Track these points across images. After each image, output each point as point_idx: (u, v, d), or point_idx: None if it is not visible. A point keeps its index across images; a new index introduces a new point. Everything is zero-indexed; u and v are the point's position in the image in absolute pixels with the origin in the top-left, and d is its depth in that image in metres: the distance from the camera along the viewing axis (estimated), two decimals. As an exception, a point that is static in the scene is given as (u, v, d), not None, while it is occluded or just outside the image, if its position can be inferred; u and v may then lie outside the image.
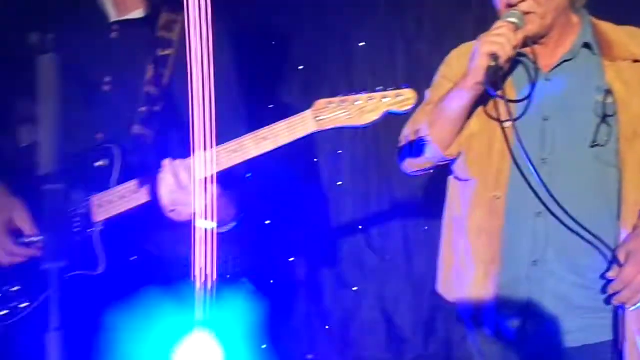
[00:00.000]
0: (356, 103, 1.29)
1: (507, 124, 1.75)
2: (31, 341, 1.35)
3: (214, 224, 1.38)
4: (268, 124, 1.46)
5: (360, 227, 3.23)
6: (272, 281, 3.45)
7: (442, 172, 3.01)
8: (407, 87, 1.28)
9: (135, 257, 1.35)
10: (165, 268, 1.46)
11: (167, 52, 1.44)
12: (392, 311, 3.17)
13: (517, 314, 1.78)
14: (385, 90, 1.28)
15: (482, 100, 1.77)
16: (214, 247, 1.63)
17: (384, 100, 1.28)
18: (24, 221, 1.28)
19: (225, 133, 1.47)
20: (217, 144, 1.32)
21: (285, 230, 3.44)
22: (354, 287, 3.24)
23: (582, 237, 1.71)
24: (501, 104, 1.73)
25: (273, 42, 3.35)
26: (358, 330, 3.24)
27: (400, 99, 1.28)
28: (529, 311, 1.77)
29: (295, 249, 3.42)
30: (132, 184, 1.30)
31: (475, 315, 1.87)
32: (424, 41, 3.04)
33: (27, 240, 1.25)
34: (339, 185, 3.27)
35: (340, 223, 3.28)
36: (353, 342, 3.25)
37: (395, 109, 1.28)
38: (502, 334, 1.82)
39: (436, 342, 3.08)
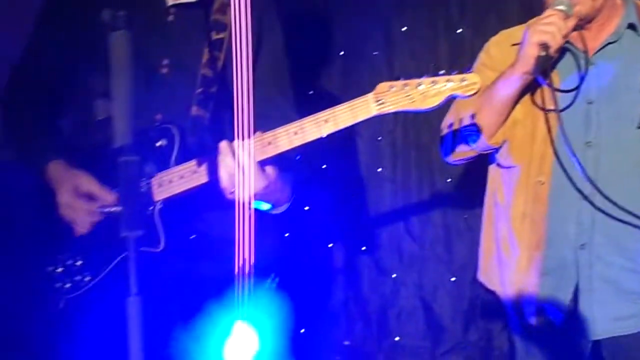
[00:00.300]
0: (419, 87, 1.27)
1: (552, 108, 1.72)
2: (93, 314, 1.42)
3: (269, 205, 1.40)
4: (308, 111, 1.47)
5: (398, 214, 3.21)
6: (307, 268, 3.47)
7: (482, 161, 2.97)
8: (470, 72, 1.26)
9: (194, 235, 1.38)
10: (219, 249, 1.50)
11: (221, 35, 1.46)
12: (431, 299, 3.15)
13: (562, 300, 1.76)
14: (448, 74, 1.26)
15: (527, 88, 1.75)
16: (252, 231, 1.66)
17: (448, 84, 1.25)
18: (91, 184, 1.30)
19: (273, 116, 1.48)
20: (268, 127, 1.33)
21: (324, 216, 3.45)
22: (392, 274, 3.23)
23: (630, 220, 1.68)
24: (547, 91, 1.70)
25: (313, 28, 3.34)
26: (396, 318, 3.23)
27: (464, 84, 1.26)
28: (576, 297, 1.74)
29: (333, 235, 3.43)
30: (191, 164, 1.32)
31: (518, 302, 1.86)
32: (466, 26, 2.97)
33: (106, 210, 1.27)
34: (378, 172, 3.25)
35: (380, 210, 3.27)
36: (390, 330, 3.25)
37: (459, 93, 1.26)
38: (547, 321, 1.80)
39: (475, 331, 3.04)
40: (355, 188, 3.34)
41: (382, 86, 1.31)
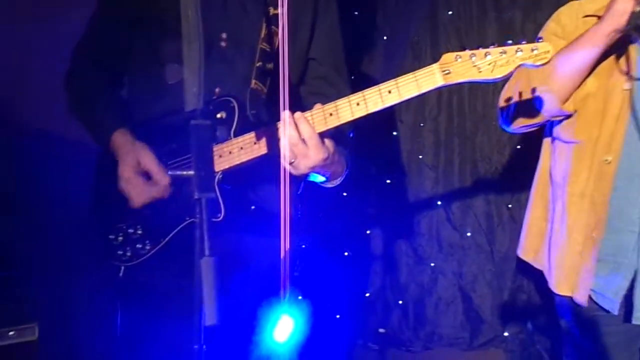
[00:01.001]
0: (487, 57, 1.22)
1: (627, 86, 1.65)
2: (153, 283, 1.43)
3: (324, 178, 1.38)
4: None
5: (439, 202, 3.16)
6: (347, 253, 3.45)
7: (531, 149, 2.90)
8: (541, 40, 1.21)
9: (254, 207, 1.38)
10: (273, 223, 1.49)
11: (277, 11, 1.45)
12: (470, 289, 3.09)
13: (619, 286, 1.70)
14: (517, 43, 1.21)
15: (605, 55, 1.66)
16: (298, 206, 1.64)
17: (517, 54, 1.21)
18: (152, 162, 1.31)
19: (329, 94, 1.46)
20: (321, 101, 1.31)
21: (362, 202, 3.42)
22: (431, 262, 3.19)
23: None
24: (633, 59, 1.60)
25: (356, 12, 3.30)
26: (433, 307, 3.19)
27: (535, 53, 1.21)
28: (633, 284, 1.68)
29: (372, 222, 3.40)
30: (251, 136, 1.31)
31: (571, 285, 1.79)
32: (516, 9, 2.89)
33: (178, 172, 1.27)
34: (420, 158, 3.21)
35: (420, 197, 3.22)
36: (427, 319, 3.21)
37: (530, 62, 1.21)
38: (600, 307, 1.73)
39: (516, 324, 2.98)
40: (396, 174, 3.30)
41: (448, 57, 1.26)
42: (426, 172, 3.19)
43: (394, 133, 3.31)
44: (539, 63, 1.23)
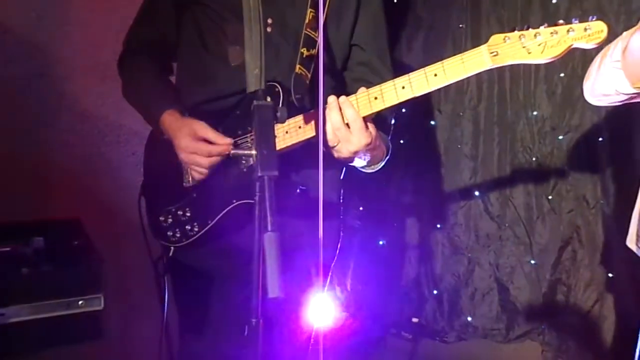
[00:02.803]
0: (537, 38, 1.19)
1: None
2: (202, 263, 1.46)
3: (364, 162, 1.38)
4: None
5: (477, 192, 3.13)
6: (382, 242, 3.45)
7: (570, 137, 2.84)
8: (594, 19, 1.17)
9: (299, 190, 1.38)
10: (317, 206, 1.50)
11: None
12: (508, 281, 3.06)
13: None
14: (569, 22, 1.18)
15: None
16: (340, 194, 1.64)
17: (569, 34, 1.17)
18: (207, 129, 1.31)
19: (372, 80, 1.45)
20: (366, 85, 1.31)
21: (398, 191, 3.41)
22: (468, 253, 3.16)
23: None
24: None
25: (395, 0, 3.28)
26: (469, 298, 3.16)
27: (588, 33, 1.16)
28: None
29: (408, 210, 3.39)
30: (296, 120, 1.32)
31: None
32: (562, -3, 2.83)
33: (240, 152, 1.28)
34: (458, 148, 3.18)
35: (458, 187, 3.19)
36: (462, 310, 3.19)
37: (582, 43, 1.17)
38: None
39: (553, 317, 2.93)
40: (433, 164, 3.28)
41: (496, 38, 1.23)
42: (465, 162, 3.16)
43: (432, 122, 3.29)
44: (592, 43, 1.19)
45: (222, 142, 1.33)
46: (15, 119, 2.18)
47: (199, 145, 1.33)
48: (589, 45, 1.20)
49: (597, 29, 1.18)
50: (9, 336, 1.63)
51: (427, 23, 3.28)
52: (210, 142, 1.33)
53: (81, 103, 2.31)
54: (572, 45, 1.20)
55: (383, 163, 1.45)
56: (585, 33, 1.19)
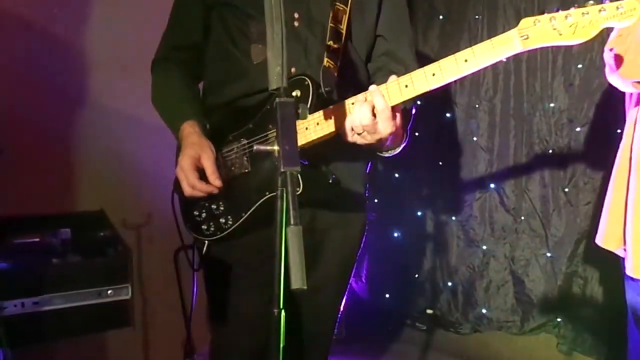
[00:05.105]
0: (568, 19, 1.17)
1: None
2: (235, 255, 1.49)
3: (380, 147, 1.39)
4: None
5: (492, 185, 3.14)
6: (397, 234, 3.47)
7: (586, 130, 2.82)
8: None
9: (330, 181, 1.40)
10: (348, 198, 1.52)
11: None
12: (523, 273, 3.06)
13: None
14: (600, 2, 1.17)
15: None
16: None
17: (601, 13, 1.15)
18: (210, 162, 1.36)
19: (397, 70, 1.46)
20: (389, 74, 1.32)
21: (414, 183, 3.43)
22: (483, 245, 3.17)
23: None
24: None
25: (412, -8, 3.27)
26: (484, 290, 3.17)
27: (621, 11, 1.13)
28: None
29: (423, 203, 3.40)
30: (327, 112, 1.34)
31: None
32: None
33: (262, 148, 1.31)
34: (474, 140, 3.17)
35: (473, 179, 3.19)
36: (477, 302, 3.20)
37: (615, 22, 1.14)
38: None
39: (568, 310, 2.93)
40: (449, 156, 3.28)
41: (526, 21, 1.22)
42: (480, 154, 3.16)
43: (447, 115, 3.29)
44: (624, 21, 1.17)
45: (211, 183, 1.37)
46: (39, 114, 2.23)
47: (190, 174, 1.37)
48: (622, 24, 1.17)
49: (630, 7, 1.16)
50: (42, 324, 1.69)
51: (444, 13, 3.28)
52: (204, 176, 1.37)
53: (103, 98, 2.35)
54: (604, 24, 1.18)
55: (399, 149, 1.47)
56: (617, 12, 1.16)
